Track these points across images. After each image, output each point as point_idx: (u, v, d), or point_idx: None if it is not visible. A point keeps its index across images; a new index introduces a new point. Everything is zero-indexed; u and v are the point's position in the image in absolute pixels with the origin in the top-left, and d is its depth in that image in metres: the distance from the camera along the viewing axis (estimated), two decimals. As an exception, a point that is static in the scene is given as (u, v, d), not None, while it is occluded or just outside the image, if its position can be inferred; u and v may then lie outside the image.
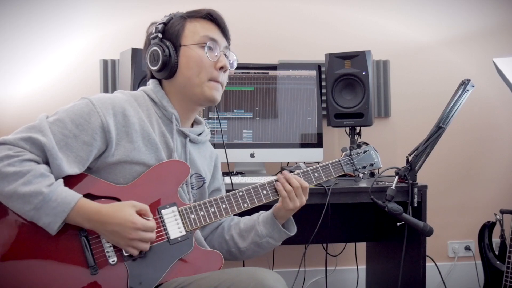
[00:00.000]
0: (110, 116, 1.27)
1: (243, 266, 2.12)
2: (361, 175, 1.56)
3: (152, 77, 1.44)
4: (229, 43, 1.45)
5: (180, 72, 1.38)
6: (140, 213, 1.23)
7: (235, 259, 1.54)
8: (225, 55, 1.42)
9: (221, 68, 1.39)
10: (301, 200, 1.43)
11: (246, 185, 1.42)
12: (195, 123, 1.51)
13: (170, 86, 1.41)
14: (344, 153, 1.57)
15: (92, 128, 1.24)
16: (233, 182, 1.77)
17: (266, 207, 1.51)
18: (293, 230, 1.50)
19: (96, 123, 1.25)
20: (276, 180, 1.43)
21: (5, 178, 1.15)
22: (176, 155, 1.37)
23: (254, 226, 1.48)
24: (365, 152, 1.58)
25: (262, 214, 1.51)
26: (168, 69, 1.37)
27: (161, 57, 1.35)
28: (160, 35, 1.38)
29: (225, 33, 1.43)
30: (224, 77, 1.42)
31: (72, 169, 1.23)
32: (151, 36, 1.40)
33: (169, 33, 1.38)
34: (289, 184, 1.42)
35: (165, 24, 1.39)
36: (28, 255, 1.17)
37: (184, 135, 1.42)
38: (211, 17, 1.41)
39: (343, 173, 1.54)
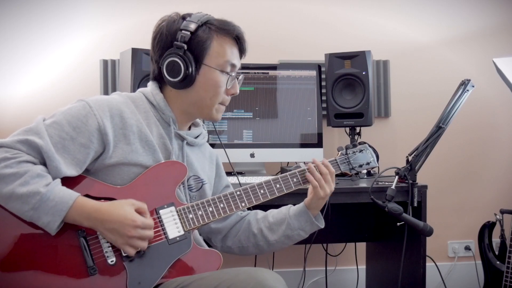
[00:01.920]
0: (107, 118, 1.27)
1: (254, 265, 2.12)
2: (358, 174, 1.56)
3: (156, 78, 1.42)
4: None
5: (194, 89, 1.37)
6: (138, 211, 1.23)
7: (261, 252, 1.57)
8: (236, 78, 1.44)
9: (232, 94, 1.43)
10: (330, 186, 1.47)
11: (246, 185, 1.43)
12: (192, 125, 1.51)
13: (176, 94, 1.39)
14: (340, 152, 1.57)
15: (89, 131, 1.24)
16: (232, 182, 1.77)
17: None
18: (322, 223, 1.53)
19: (93, 125, 1.25)
20: (303, 170, 1.47)
21: (3, 179, 1.15)
22: (174, 157, 1.37)
23: (285, 220, 1.51)
24: (361, 151, 1.58)
25: (292, 207, 1.54)
26: (184, 83, 1.35)
27: (183, 72, 1.33)
28: (185, 46, 1.33)
29: (243, 55, 1.45)
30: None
31: (70, 171, 1.23)
32: (176, 45, 1.33)
33: (194, 45, 1.34)
34: (319, 172, 1.46)
35: (191, 33, 1.33)
36: (27, 256, 1.17)
37: (182, 138, 1.42)
38: (238, 40, 1.40)
39: (340, 171, 1.55)
